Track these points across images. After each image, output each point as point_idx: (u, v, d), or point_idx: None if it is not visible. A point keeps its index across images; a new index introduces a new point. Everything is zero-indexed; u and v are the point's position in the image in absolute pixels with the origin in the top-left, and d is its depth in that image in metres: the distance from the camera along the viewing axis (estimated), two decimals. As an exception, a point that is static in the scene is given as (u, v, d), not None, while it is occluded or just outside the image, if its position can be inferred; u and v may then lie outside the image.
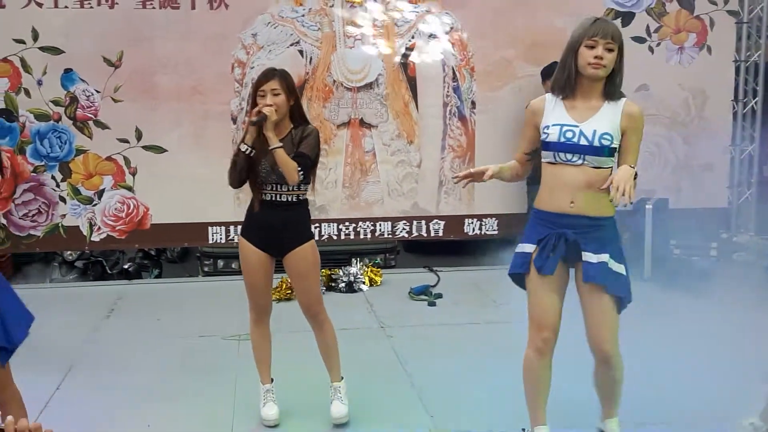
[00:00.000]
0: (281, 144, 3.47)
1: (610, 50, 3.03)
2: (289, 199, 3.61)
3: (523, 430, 3.39)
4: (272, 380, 3.84)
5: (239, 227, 6.37)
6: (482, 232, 6.81)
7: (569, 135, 3.06)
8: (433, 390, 4.15)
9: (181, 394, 4.14)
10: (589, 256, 3.10)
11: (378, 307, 5.73)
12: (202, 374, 4.43)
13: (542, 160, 3.18)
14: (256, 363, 3.83)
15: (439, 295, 6.00)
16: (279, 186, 3.58)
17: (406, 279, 6.40)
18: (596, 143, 3.04)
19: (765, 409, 3.21)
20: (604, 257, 3.09)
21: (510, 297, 5.85)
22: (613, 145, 3.06)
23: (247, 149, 3.52)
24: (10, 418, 1.37)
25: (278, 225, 3.61)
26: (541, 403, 3.28)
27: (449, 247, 8.04)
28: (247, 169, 3.57)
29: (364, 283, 6.22)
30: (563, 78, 3.11)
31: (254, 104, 3.55)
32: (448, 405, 3.96)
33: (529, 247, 3.19)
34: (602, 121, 3.07)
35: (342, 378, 3.79)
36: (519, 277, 3.29)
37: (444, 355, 4.69)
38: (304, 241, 3.65)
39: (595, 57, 3.00)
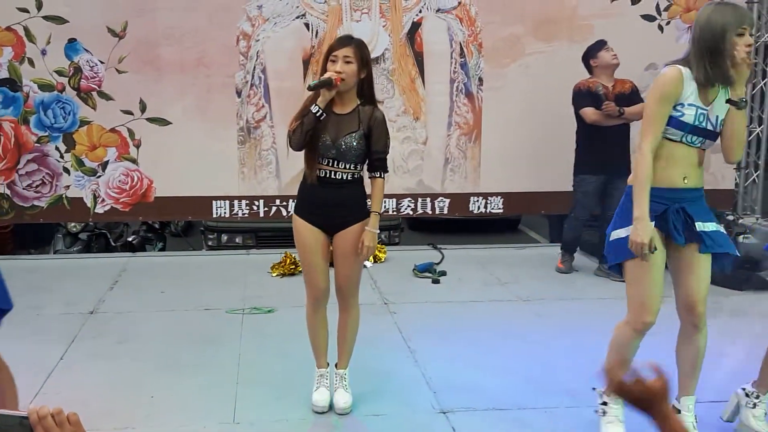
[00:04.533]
0: (323, 110, 3.33)
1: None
2: (345, 177, 3.44)
3: (594, 389, 3.37)
4: (328, 365, 3.73)
5: (243, 201, 6.50)
6: (487, 211, 6.77)
7: (701, 119, 3.09)
8: (436, 367, 4.15)
9: (185, 365, 4.15)
10: (701, 226, 3.14)
11: (382, 284, 5.72)
12: (206, 346, 4.43)
13: (664, 135, 3.10)
14: (312, 348, 3.71)
15: (443, 273, 5.99)
16: (336, 162, 3.41)
17: (411, 256, 6.39)
18: (718, 129, 3.12)
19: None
20: (713, 225, 3.17)
21: (514, 275, 5.92)
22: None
23: (318, 111, 3.31)
24: (32, 406, 1.37)
25: (333, 202, 3.46)
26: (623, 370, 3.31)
27: (454, 225, 8.04)
28: (310, 138, 3.37)
29: (368, 259, 6.20)
30: (717, 70, 2.99)
31: (324, 70, 3.37)
32: (450, 382, 3.96)
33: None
34: (721, 105, 3.11)
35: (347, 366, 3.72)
36: (618, 266, 3.24)
37: (447, 333, 4.69)
38: (358, 220, 3.50)
39: (748, 46, 2.99)
